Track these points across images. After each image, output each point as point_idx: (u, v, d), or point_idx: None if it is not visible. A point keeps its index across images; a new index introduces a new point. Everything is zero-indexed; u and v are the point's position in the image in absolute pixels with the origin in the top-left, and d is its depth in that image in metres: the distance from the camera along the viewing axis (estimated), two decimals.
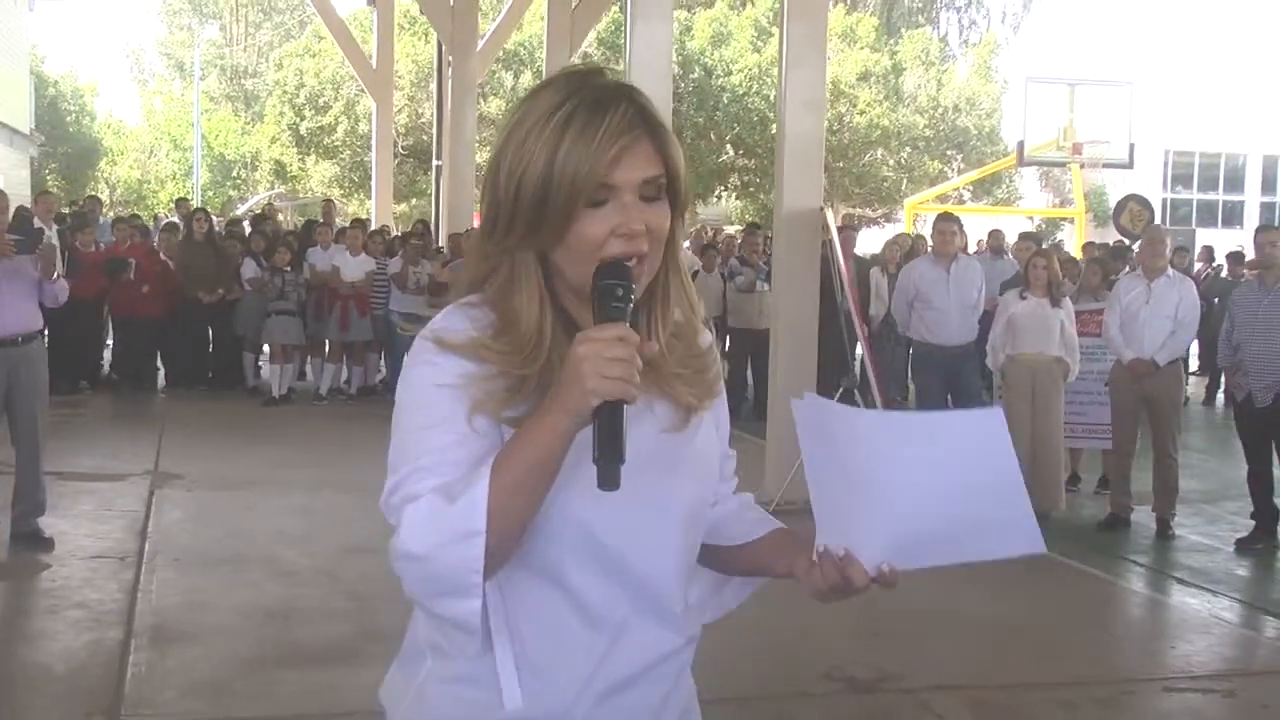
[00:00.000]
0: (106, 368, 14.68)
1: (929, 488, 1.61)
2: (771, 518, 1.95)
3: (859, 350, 10.42)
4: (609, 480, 1.55)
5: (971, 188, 33.93)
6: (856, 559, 1.69)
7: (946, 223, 9.70)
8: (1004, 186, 36.72)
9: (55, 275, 7.48)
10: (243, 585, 6.69)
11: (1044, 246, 10.24)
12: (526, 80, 29.09)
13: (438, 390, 1.67)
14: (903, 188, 32.23)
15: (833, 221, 9.14)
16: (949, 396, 9.39)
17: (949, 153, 34.00)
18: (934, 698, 5.45)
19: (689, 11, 33.92)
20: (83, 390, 13.60)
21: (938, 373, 9.26)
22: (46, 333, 10.02)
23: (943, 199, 31.94)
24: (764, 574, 1.94)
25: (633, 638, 1.78)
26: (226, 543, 7.31)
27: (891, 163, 33.34)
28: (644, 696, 1.81)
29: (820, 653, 5.98)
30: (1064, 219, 33.26)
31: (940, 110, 33.22)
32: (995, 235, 15.11)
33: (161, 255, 14.70)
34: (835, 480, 1.70)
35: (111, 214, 23.21)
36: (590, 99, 1.67)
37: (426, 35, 27.90)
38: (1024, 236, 14.07)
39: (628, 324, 1.59)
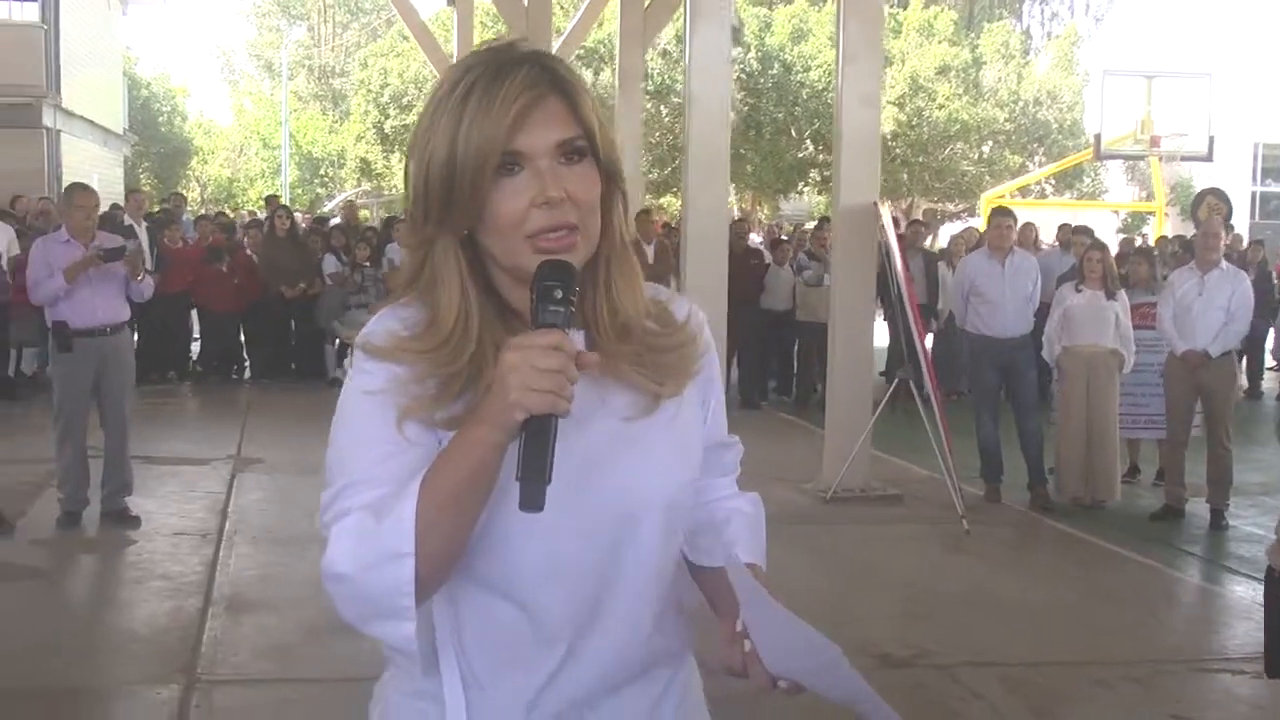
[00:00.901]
0: (193, 359, 15.20)
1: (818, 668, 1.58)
2: (744, 537, 1.82)
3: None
4: (529, 501, 1.42)
5: (1053, 181, 33.69)
6: (760, 662, 1.62)
7: (1002, 217, 9.84)
8: (1089, 180, 36.39)
9: (141, 276, 7.89)
10: (312, 560, 7.01)
11: (1097, 239, 10.33)
12: (606, 77, 29.39)
13: (368, 399, 1.57)
14: (983, 182, 32.09)
15: (888, 216, 9.32)
16: (1004, 387, 9.54)
17: (1030, 146, 33.76)
18: (965, 673, 5.68)
19: (769, 8, 34.01)
20: (171, 380, 14.13)
21: (993, 365, 9.42)
22: (136, 325, 10.54)
23: (1023, 192, 31.79)
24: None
25: (594, 654, 1.66)
26: (300, 522, 7.66)
27: (972, 157, 33.20)
28: (613, 717, 1.71)
29: (859, 630, 6.21)
30: (1149, 212, 32.93)
31: (1021, 104, 32.99)
32: (1064, 230, 15.18)
33: (247, 251, 15.18)
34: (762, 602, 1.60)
35: (199, 211, 23.87)
36: (492, 68, 1.55)
37: (508, 35, 28.28)
38: (1079, 230, 14.13)
39: (565, 329, 1.47)
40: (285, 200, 37.62)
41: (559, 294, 1.48)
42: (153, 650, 5.61)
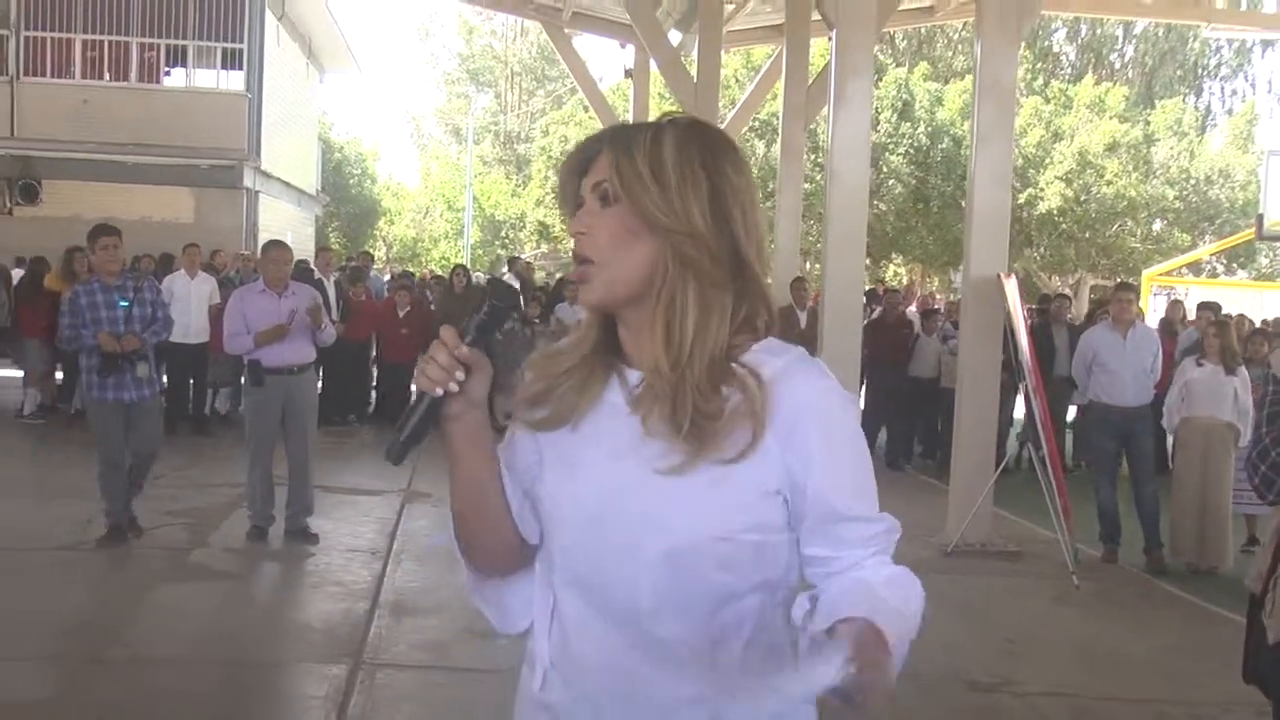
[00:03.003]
0: (372, 405, 16.33)
1: None
2: (848, 597, 1.76)
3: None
4: (392, 454, 1.81)
5: (1223, 260, 33.37)
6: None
7: (1125, 292, 10.33)
8: (1269, 260, 35.92)
9: (324, 325, 8.89)
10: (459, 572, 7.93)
11: (1227, 317, 10.72)
12: (776, 149, 30.20)
13: None
14: (1150, 259, 32.00)
15: (1013, 289, 9.88)
16: (1123, 455, 9.98)
17: (1200, 225, 33.54)
18: (1040, 701, 6.25)
19: (942, 83, 34.48)
20: (351, 423, 15.26)
21: (1113, 433, 9.86)
22: (322, 370, 11.62)
23: (1194, 271, 31.56)
24: None
25: (618, 666, 1.83)
26: (448, 541, 8.50)
27: (1140, 234, 33.12)
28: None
29: (954, 659, 6.81)
30: None
31: (1192, 182, 32.87)
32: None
33: (431, 306, 16.32)
34: None
35: (387, 270, 25.25)
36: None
37: (681, 105, 29.36)
38: (1203, 306, 14.40)
39: (477, 335, 1.80)
40: (466, 260, 39.31)
41: (485, 307, 1.82)
42: (326, 639, 6.56)
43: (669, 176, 1.77)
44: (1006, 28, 9.92)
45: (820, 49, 21.00)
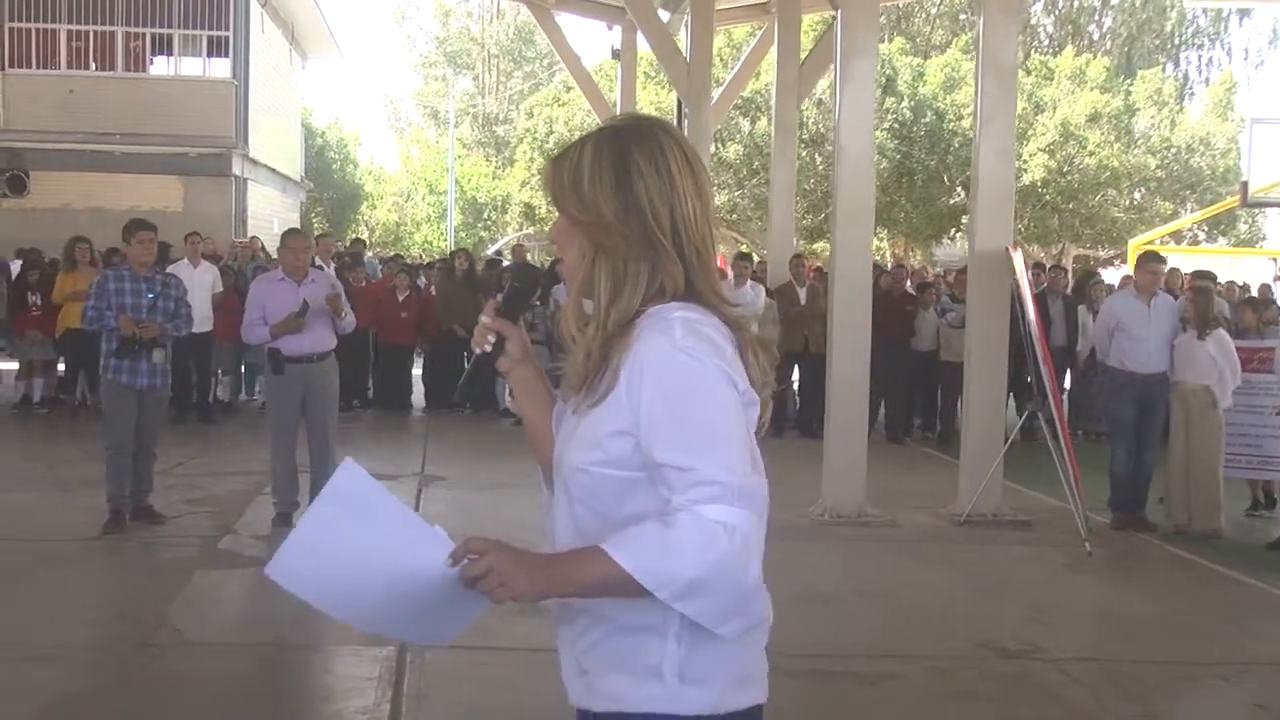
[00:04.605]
0: (371, 390, 16.39)
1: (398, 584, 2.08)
2: (620, 540, 2.00)
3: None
4: (456, 395, 2.51)
5: (1205, 228, 33.62)
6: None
7: (1155, 263, 10.36)
8: (1246, 227, 36.17)
9: (344, 313, 8.95)
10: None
11: (1204, 285, 10.87)
12: (762, 126, 30.27)
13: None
14: (1134, 229, 32.22)
15: (1019, 262, 10.00)
16: (1139, 421, 10.11)
17: (1182, 193, 33.76)
18: (1070, 665, 6.39)
19: (923, 57, 34.60)
20: (355, 408, 15.33)
21: (1133, 400, 9.96)
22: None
23: (1176, 239, 31.77)
24: None
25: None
26: (488, 529, 8.58)
27: (1123, 204, 33.33)
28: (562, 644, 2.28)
29: (982, 629, 6.98)
30: None
31: (1173, 150, 33.06)
32: (1176, 275, 15.54)
33: (431, 290, 16.39)
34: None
35: (373, 254, 25.30)
36: None
37: (668, 84, 29.41)
38: (1199, 275, 14.54)
39: (502, 308, 2.34)
40: (451, 243, 39.26)
41: (506, 288, 2.47)
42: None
43: (583, 180, 2.13)
44: (1008, 4, 10.04)
45: (805, 25, 21.09)
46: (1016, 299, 10.01)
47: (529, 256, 25.30)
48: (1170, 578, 8.66)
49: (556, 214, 2.21)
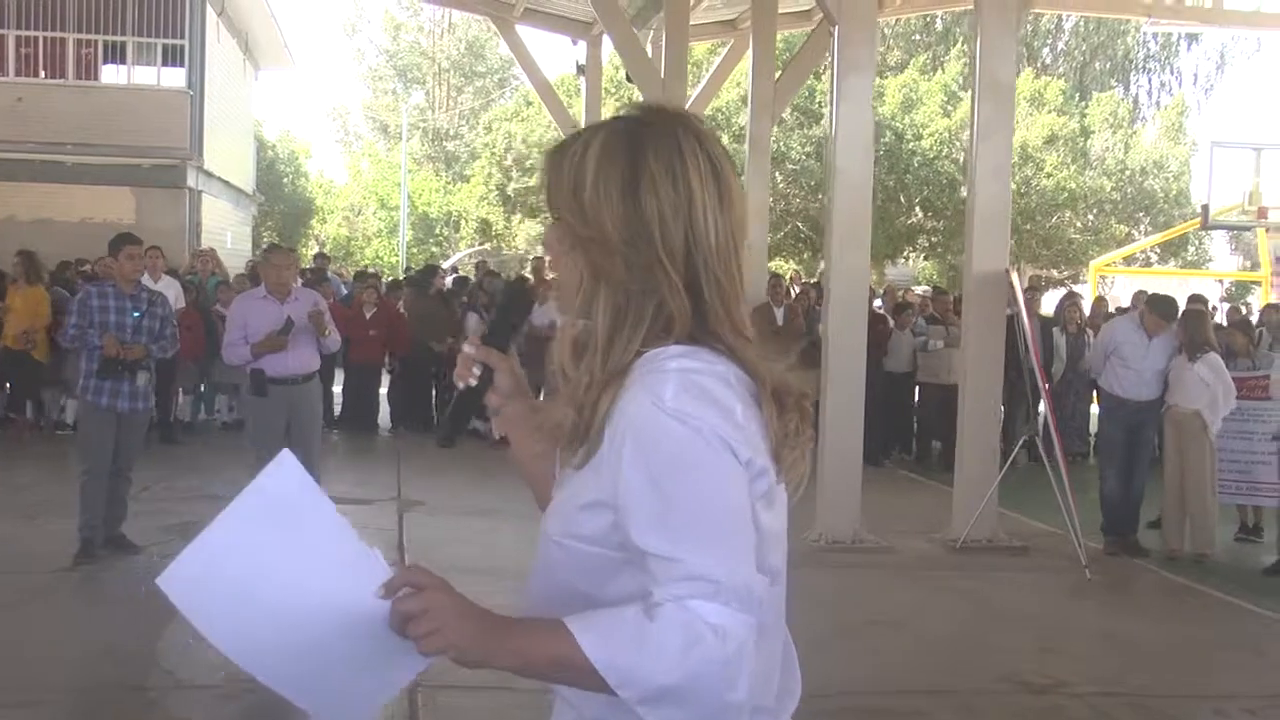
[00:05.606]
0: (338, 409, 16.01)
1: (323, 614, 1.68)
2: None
3: (1041, 404, 11.15)
4: (438, 436, 2.20)
5: (1158, 250, 33.89)
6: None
7: (1168, 319, 10.18)
8: (1194, 249, 36.52)
9: (327, 332, 8.62)
10: (501, 592, 7.72)
11: (1197, 309, 10.79)
12: (725, 142, 30.06)
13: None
14: (1089, 250, 32.40)
15: (1018, 283, 9.85)
16: (1128, 444, 10.02)
17: (1136, 215, 34.03)
18: (1099, 701, 6.22)
19: (880, 77, 34.62)
20: (323, 428, 14.92)
21: (1123, 424, 9.91)
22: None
23: (1128, 261, 31.97)
24: None
25: None
26: (476, 556, 8.35)
27: (1079, 225, 33.51)
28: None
29: (1000, 662, 6.79)
30: (1254, 282, 32.98)
31: (1128, 173, 33.32)
32: (1137, 296, 15.48)
33: (401, 308, 16.05)
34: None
35: (335, 268, 24.91)
36: None
37: (632, 99, 29.19)
38: (1194, 299, 14.53)
39: (478, 336, 2.05)
40: (401, 258, 38.85)
41: (490, 314, 2.26)
42: None
43: (585, 185, 1.76)
44: (1006, 22, 9.90)
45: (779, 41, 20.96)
46: (1016, 322, 9.85)
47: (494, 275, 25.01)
48: (1174, 604, 8.54)
49: (551, 216, 1.85)
